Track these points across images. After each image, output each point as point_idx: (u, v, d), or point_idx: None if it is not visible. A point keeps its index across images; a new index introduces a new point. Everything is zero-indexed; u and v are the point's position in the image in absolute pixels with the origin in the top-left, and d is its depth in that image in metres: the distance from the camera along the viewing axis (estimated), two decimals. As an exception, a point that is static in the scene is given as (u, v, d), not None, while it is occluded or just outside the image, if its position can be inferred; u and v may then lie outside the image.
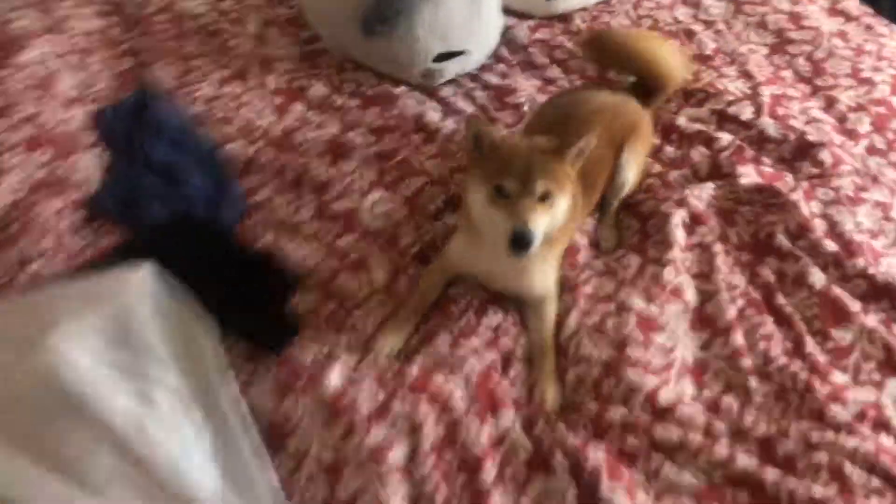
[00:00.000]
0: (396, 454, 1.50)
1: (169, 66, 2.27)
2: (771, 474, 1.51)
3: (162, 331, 1.59)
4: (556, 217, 1.65)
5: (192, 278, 1.74)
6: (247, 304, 1.77)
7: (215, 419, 1.53)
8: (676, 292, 1.83)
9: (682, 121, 2.20)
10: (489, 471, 1.51)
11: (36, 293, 1.68)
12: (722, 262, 1.89)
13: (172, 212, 1.93)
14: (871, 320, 1.77)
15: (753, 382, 1.68)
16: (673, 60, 2.22)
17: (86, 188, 1.94)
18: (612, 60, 2.25)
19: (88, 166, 1.99)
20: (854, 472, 1.51)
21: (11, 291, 1.70)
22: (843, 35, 2.43)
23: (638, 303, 1.79)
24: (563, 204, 1.65)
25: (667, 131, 2.21)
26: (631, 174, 2.01)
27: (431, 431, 1.54)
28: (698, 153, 2.12)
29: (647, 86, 2.18)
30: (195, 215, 1.95)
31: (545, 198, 1.60)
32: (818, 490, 1.48)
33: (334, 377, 1.59)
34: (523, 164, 1.59)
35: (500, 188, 1.59)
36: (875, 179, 2.04)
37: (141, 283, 1.65)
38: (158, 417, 1.47)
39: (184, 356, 1.60)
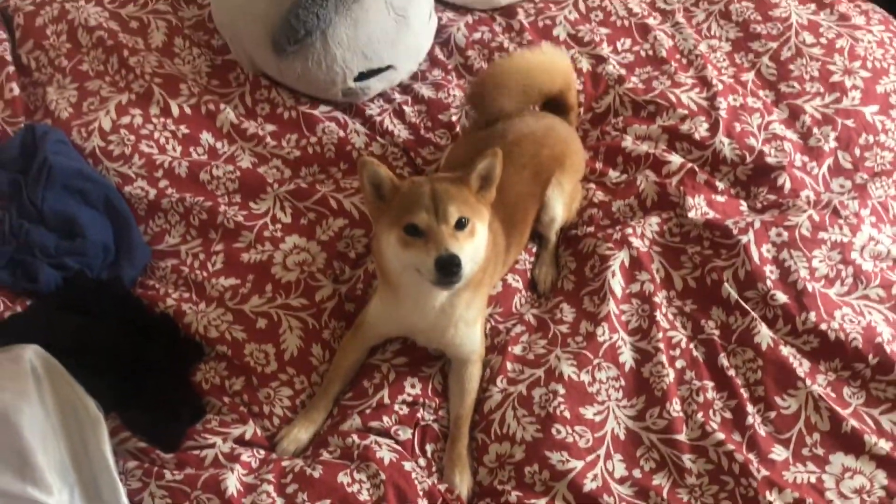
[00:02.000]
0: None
1: (64, 91, 2.04)
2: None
3: (42, 436, 1.47)
4: (477, 247, 1.52)
5: (83, 355, 1.62)
6: (144, 388, 1.64)
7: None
8: (611, 354, 1.70)
9: (628, 142, 2.00)
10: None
11: None
12: (662, 315, 1.75)
13: (66, 274, 1.77)
14: (819, 385, 1.66)
15: (688, 461, 1.57)
16: (554, 74, 1.97)
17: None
18: (498, 104, 1.88)
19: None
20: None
21: None
22: (813, 28, 2.19)
23: (568, 370, 1.66)
24: (482, 231, 1.53)
25: (611, 153, 2.01)
26: (559, 209, 1.85)
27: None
28: (645, 180, 1.94)
29: (555, 104, 1.99)
30: (91, 275, 1.79)
31: (462, 225, 1.48)
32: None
33: (231, 483, 1.47)
34: (430, 195, 1.48)
35: (412, 227, 1.47)
36: (835, 212, 1.86)
37: (22, 375, 1.52)
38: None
39: (72, 464, 1.48)
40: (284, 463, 1.53)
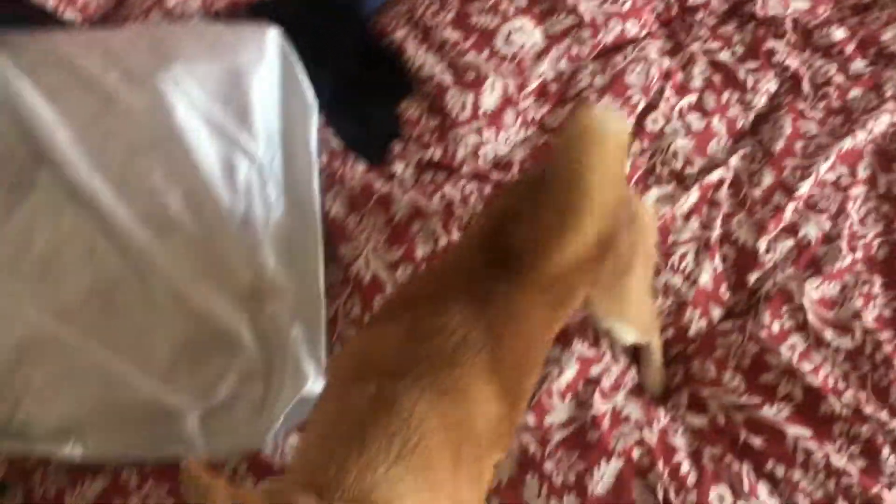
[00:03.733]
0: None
1: None
2: (796, 429, 1.44)
3: (264, 103, 1.64)
4: None
5: (315, 57, 1.76)
6: (358, 100, 1.78)
7: (290, 198, 1.58)
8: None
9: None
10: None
11: (164, 28, 1.75)
12: (854, 208, 1.71)
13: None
14: None
15: (829, 334, 1.57)
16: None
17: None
18: None
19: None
20: (889, 460, 1.42)
21: (145, 22, 1.77)
22: None
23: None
24: None
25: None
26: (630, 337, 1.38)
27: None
28: None
29: None
30: None
31: None
32: (838, 459, 1.41)
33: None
34: None
35: None
36: None
37: (262, 47, 1.68)
38: (236, 180, 1.54)
39: (278, 133, 1.64)
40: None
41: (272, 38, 1.70)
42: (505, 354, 1.05)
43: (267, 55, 1.67)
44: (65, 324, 1.35)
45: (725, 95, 1.86)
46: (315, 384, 1.37)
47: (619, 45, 1.92)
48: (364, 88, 1.80)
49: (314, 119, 1.68)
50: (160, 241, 1.41)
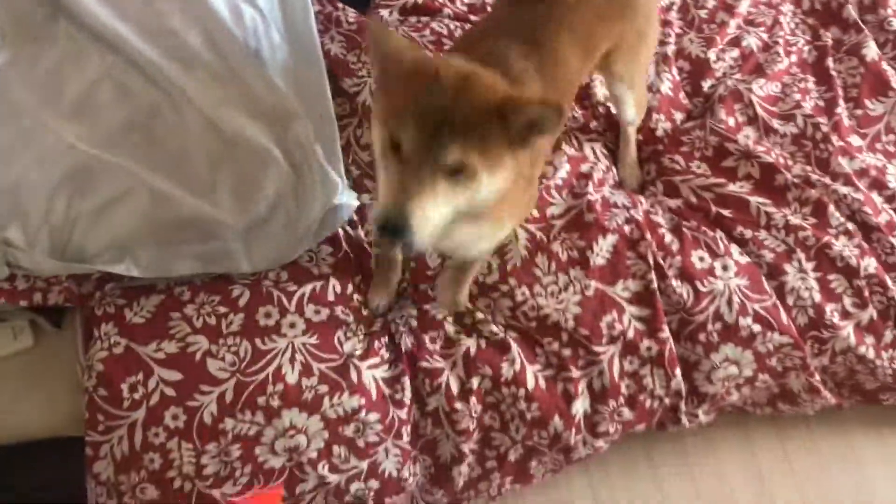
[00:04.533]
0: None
1: None
2: (757, 199, 1.69)
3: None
4: (474, 198, 1.07)
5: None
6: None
7: (291, 38, 1.69)
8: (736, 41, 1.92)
9: None
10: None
11: None
12: (786, 21, 1.96)
13: None
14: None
15: (777, 123, 1.81)
16: None
17: None
18: None
19: None
20: (835, 214, 1.68)
21: None
22: None
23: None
24: (488, 185, 1.06)
25: None
26: (630, 112, 1.64)
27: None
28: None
29: None
30: None
31: (457, 171, 1.02)
32: (794, 219, 1.66)
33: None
34: (434, 109, 1.00)
35: (395, 141, 1.03)
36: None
37: None
38: (244, 24, 1.64)
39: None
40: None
41: None
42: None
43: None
44: (108, 152, 1.44)
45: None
46: (344, 194, 1.51)
47: None
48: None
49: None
50: (186, 74, 1.51)
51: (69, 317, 1.51)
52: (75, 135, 1.45)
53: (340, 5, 1.80)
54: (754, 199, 1.68)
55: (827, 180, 1.72)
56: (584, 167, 1.70)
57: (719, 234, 1.65)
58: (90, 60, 1.51)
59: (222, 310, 1.45)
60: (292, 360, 1.40)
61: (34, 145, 1.45)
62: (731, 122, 1.80)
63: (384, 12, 1.85)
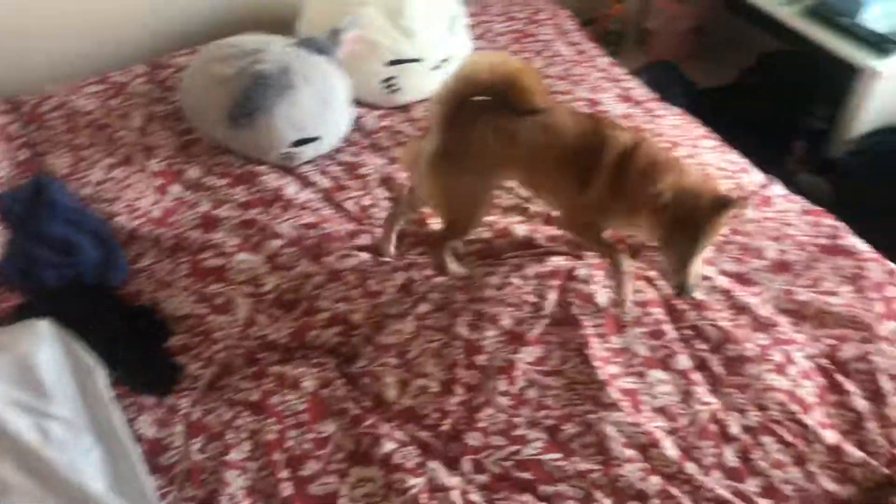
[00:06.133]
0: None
1: (62, 156, 2.66)
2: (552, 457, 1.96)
3: (58, 373, 1.95)
4: None
5: (84, 333, 2.11)
6: (133, 352, 2.15)
7: (107, 439, 1.88)
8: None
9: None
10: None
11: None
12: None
13: (66, 278, 2.30)
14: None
15: (551, 380, 2.13)
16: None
17: (-12, 261, 2.29)
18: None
19: (-9, 243, 2.35)
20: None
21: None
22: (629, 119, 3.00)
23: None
24: None
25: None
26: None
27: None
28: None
29: None
30: (85, 280, 2.32)
31: None
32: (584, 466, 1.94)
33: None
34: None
35: None
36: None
37: (39, 334, 2.01)
38: (53, 441, 1.82)
39: (79, 394, 1.95)
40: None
41: (45, 327, 2.03)
42: None
43: (46, 340, 2.00)
44: None
45: None
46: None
47: None
48: (133, 342, 2.17)
49: (101, 375, 2.01)
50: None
51: None
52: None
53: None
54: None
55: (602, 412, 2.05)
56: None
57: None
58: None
59: None
60: None
61: None
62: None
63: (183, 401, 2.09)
